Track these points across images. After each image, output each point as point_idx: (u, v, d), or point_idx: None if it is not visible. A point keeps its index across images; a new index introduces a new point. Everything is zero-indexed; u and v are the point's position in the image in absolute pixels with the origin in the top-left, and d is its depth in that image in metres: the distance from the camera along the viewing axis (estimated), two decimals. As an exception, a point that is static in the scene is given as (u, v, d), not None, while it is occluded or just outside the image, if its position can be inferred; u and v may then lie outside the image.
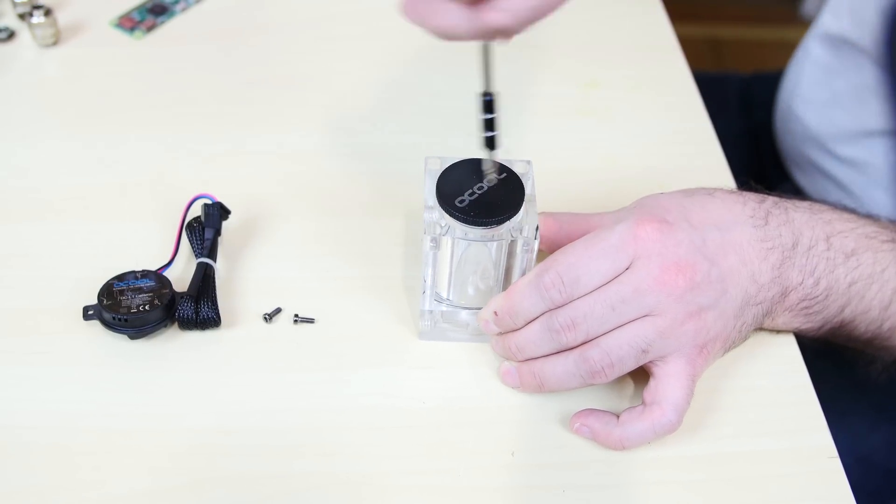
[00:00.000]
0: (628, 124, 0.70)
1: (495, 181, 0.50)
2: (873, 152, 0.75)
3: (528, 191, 0.50)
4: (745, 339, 0.53)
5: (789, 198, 0.55)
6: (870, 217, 0.56)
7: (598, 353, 0.49)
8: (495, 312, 0.51)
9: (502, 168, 0.51)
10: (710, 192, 0.53)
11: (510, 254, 0.51)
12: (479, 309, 0.53)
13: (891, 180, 0.74)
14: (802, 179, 0.84)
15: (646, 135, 0.69)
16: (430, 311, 0.54)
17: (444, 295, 0.54)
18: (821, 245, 0.53)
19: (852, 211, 0.56)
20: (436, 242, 0.50)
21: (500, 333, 0.53)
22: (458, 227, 0.50)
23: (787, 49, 0.89)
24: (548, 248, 0.55)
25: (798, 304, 0.53)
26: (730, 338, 0.52)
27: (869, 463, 0.72)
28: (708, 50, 1.87)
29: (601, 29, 0.78)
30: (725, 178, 0.66)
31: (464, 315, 0.54)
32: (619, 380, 0.53)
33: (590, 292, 0.49)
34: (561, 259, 0.49)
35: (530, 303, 0.50)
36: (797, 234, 0.52)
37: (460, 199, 0.49)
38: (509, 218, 0.49)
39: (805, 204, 0.54)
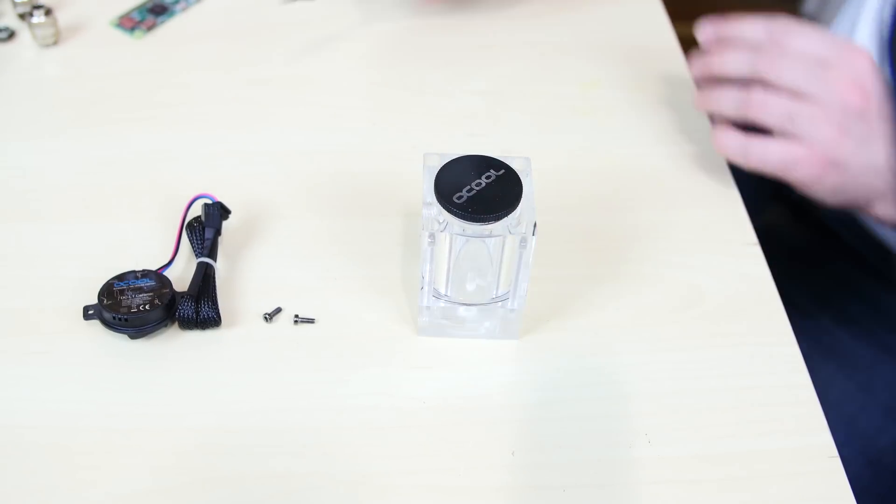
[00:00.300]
0: (628, 124, 0.70)
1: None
2: None
3: (526, 188, 0.50)
4: (857, 201, 0.61)
5: None
6: None
7: (759, 98, 0.59)
8: (723, 23, 0.64)
9: (500, 165, 0.51)
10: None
11: (508, 250, 0.51)
12: (478, 305, 0.53)
13: None
14: None
15: (646, 135, 0.69)
16: (428, 308, 0.54)
17: (443, 291, 0.53)
18: None
19: None
20: (433, 238, 0.50)
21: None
22: (456, 223, 0.50)
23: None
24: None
25: None
26: (845, 176, 0.59)
27: (879, 465, 0.72)
28: (708, 50, 1.86)
29: (601, 29, 0.78)
30: (726, 178, 0.66)
31: (461, 311, 0.54)
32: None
33: (800, 48, 0.59)
34: (787, 20, 0.60)
35: (755, 25, 0.61)
36: None
37: (458, 195, 0.49)
38: (507, 214, 0.49)
39: None
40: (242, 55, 0.74)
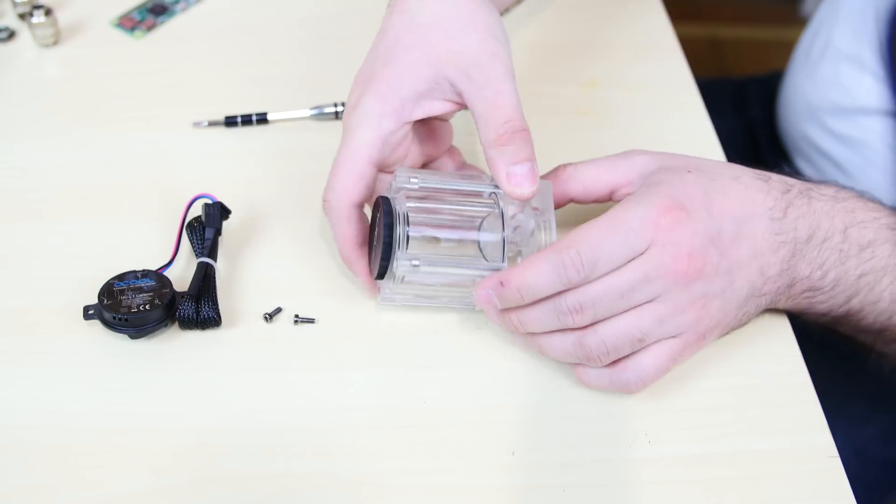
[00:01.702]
0: (628, 124, 0.70)
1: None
2: (868, 130, 0.75)
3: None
4: (743, 325, 0.54)
5: (816, 183, 0.55)
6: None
7: (596, 341, 0.50)
8: (501, 283, 0.50)
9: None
10: (736, 175, 0.53)
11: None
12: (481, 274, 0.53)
13: (885, 159, 0.74)
14: (802, 165, 0.84)
15: (646, 135, 0.69)
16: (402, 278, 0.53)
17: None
18: (836, 237, 0.53)
19: (877, 201, 0.56)
20: (404, 279, 0.53)
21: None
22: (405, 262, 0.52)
23: (787, 49, 0.89)
24: (574, 200, 0.57)
25: (802, 293, 0.54)
26: (729, 325, 0.53)
27: (865, 455, 0.72)
28: (708, 50, 1.87)
29: (601, 29, 0.78)
30: (725, 178, 0.66)
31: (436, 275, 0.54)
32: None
33: (603, 275, 0.49)
34: (583, 238, 0.49)
35: (546, 279, 0.49)
36: (814, 227, 0.53)
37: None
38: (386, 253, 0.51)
39: (830, 191, 0.54)
40: (242, 55, 0.74)
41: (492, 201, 0.54)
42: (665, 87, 0.74)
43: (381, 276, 0.52)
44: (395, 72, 0.53)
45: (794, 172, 0.55)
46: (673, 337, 0.50)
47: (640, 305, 0.49)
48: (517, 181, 0.51)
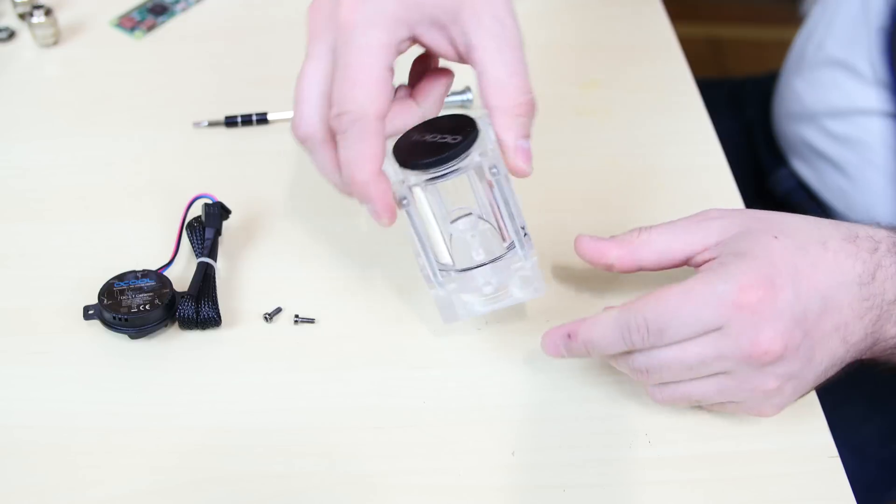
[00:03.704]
0: (628, 124, 0.70)
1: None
2: (866, 130, 0.75)
3: (486, 133, 0.49)
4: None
5: None
6: None
7: (658, 393, 0.50)
8: (569, 335, 0.50)
9: (454, 116, 0.50)
10: (824, 240, 0.49)
11: (488, 191, 0.50)
12: (491, 262, 0.51)
13: (885, 160, 0.74)
14: (799, 165, 0.84)
15: (646, 135, 0.69)
16: (442, 285, 0.51)
17: (448, 261, 0.51)
18: None
19: None
20: (408, 201, 0.49)
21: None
22: (421, 176, 0.49)
23: (787, 49, 0.89)
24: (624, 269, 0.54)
25: (885, 350, 0.51)
26: (804, 394, 0.51)
27: (863, 454, 0.72)
28: (708, 50, 1.87)
29: (601, 29, 0.78)
30: (725, 178, 0.66)
31: (479, 278, 0.52)
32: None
33: (671, 344, 0.48)
34: (654, 306, 0.47)
35: (610, 341, 0.48)
36: None
37: (414, 152, 0.49)
38: (465, 149, 0.48)
39: None
40: (242, 55, 0.74)
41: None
42: (665, 87, 0.74)
43: (431, 165, 0.48)
44: None
45: (879, 224, 0.51)
46: (733, 403, 0.50)
47: (710, 376, 0.48)
48: (523, 156, 0.48)
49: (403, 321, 0.56)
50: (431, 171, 0.49)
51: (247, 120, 0.68)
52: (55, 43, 0.74)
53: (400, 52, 0.48)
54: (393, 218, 0.48)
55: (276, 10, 0.78)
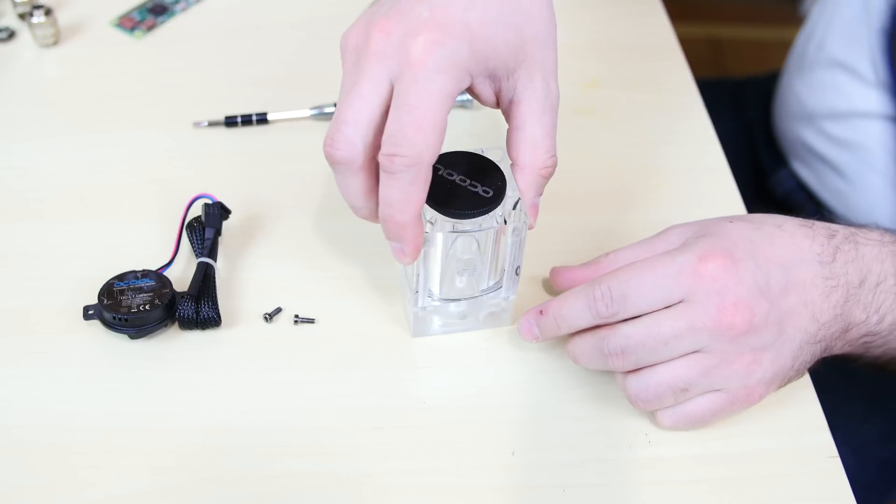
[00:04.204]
0: (628, 124, 0.70)
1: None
2: (866, 134, 0.75)
3: (506, 173, 0.51)
4: (802, 375, 0.52)
5: (858, 227, 0.53)
6: None
7: (638, 387, 0.50)
8: (540, 312, 0.52)
9: (475, 156, 0.51)
10: (779, 223, 0.52)
11: (497, 241, 0.51)
12: (467, 299, 0.54)
13: (885, 164, 0.74)
14: (799, 167, 0.84)
15: (646, 135, 0.69)
16: (423, 309, 0.54)
17: (436, 291, 0.53)
18: (889, 280, 0.51)
19: None
20: (428, 240, 0.50)
21: (541, 340, 0.53)
22: (447, 222, 0.49)
23: (787, 49, 0.89)
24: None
25: (859, 338, 0.52)
26: (786, 376, 0.51)
27: (863, 454, 0.73)
28: (708, 50, 1.87)
29: (601, 29, 0.78)
30: (725, 179, 0.66)
31: (452, 307, 0.54)
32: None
33: (639, 316, 0.49)
34: (615, 275, 0.49)
35: (577, 311, 0.50)
36: (865, 271, 0.51)
37: (447, 195, 0.49)
38: (494, 207, 0.49)
39: (875, 235, 0.53)
40: (242, 55, 0.74)
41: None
42: (665, 87, 0.74)
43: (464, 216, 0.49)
44: (486, 30, 0.46)
45: (834, 218, 0.53)
46: (718, 391, 0.49)
47: (686, 355, 0.48)
48: (535, 212, 0.51)
49: (403, 321, 0.56)
50: (464, 222, 0.49)
51: (247, 120, 0.68)
52: (55, 43, 0.74)
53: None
54: (416, 260, 0.50)
55: (276, 11, 0.78)
